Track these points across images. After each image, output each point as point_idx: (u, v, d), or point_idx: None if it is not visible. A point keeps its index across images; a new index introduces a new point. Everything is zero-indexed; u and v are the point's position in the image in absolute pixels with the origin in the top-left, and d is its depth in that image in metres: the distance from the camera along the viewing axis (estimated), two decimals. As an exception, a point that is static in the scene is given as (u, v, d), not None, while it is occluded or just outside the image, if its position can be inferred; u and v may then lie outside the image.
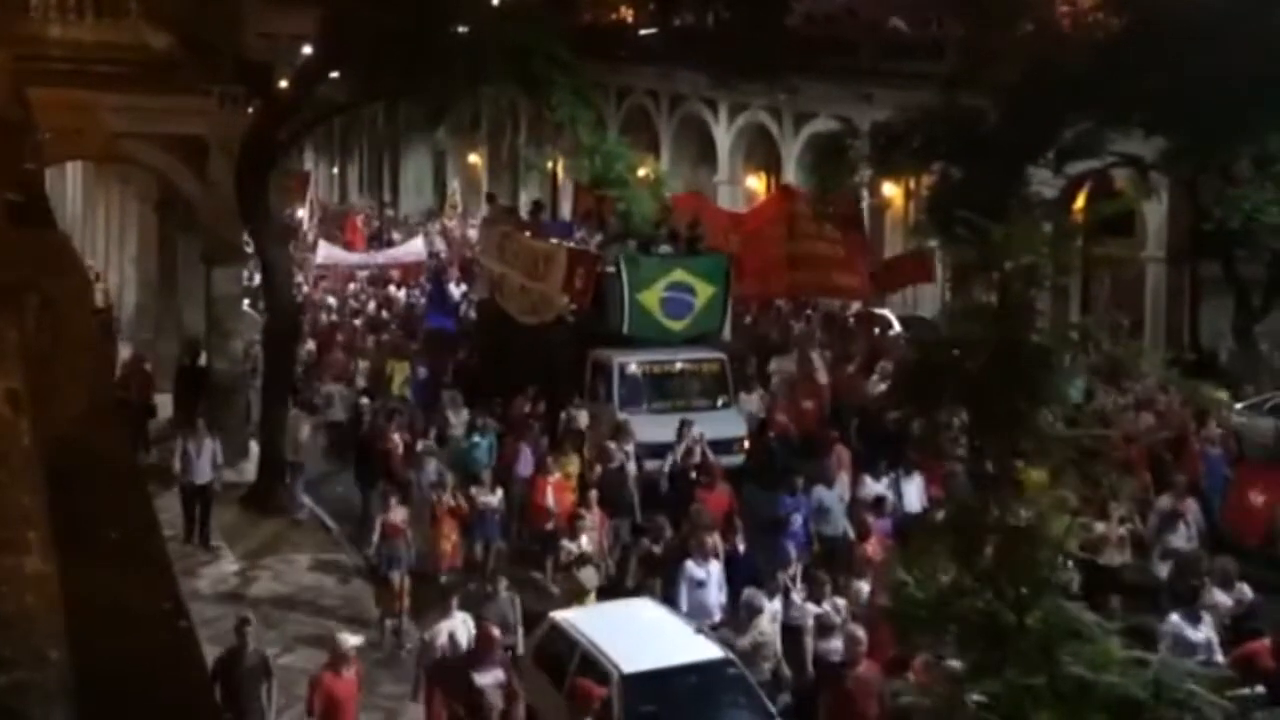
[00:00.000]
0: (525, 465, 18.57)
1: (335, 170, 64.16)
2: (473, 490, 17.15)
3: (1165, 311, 26.65)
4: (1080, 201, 25.16)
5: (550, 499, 17.14)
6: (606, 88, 36.51)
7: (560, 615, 13.21)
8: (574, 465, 18.12)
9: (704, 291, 21.57)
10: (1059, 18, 25.24)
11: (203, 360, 23.26)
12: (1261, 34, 20.25)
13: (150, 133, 22.18)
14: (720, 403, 21.11)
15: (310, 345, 27.44)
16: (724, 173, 38.63)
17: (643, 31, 40.99)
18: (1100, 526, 15.38)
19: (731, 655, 12.33)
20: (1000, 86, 21.52)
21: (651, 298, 21.21)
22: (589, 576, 14.98)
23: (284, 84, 22.01)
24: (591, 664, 12.02)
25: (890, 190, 32.25)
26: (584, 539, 15.43)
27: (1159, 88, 20.08)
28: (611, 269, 21.36)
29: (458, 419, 20.69)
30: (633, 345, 21.19)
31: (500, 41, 19.40)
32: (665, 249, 22.41)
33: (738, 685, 12.07)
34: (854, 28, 34.72)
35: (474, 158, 53.06)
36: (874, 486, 17.01)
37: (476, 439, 19.48)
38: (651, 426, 19.50)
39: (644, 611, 13.71)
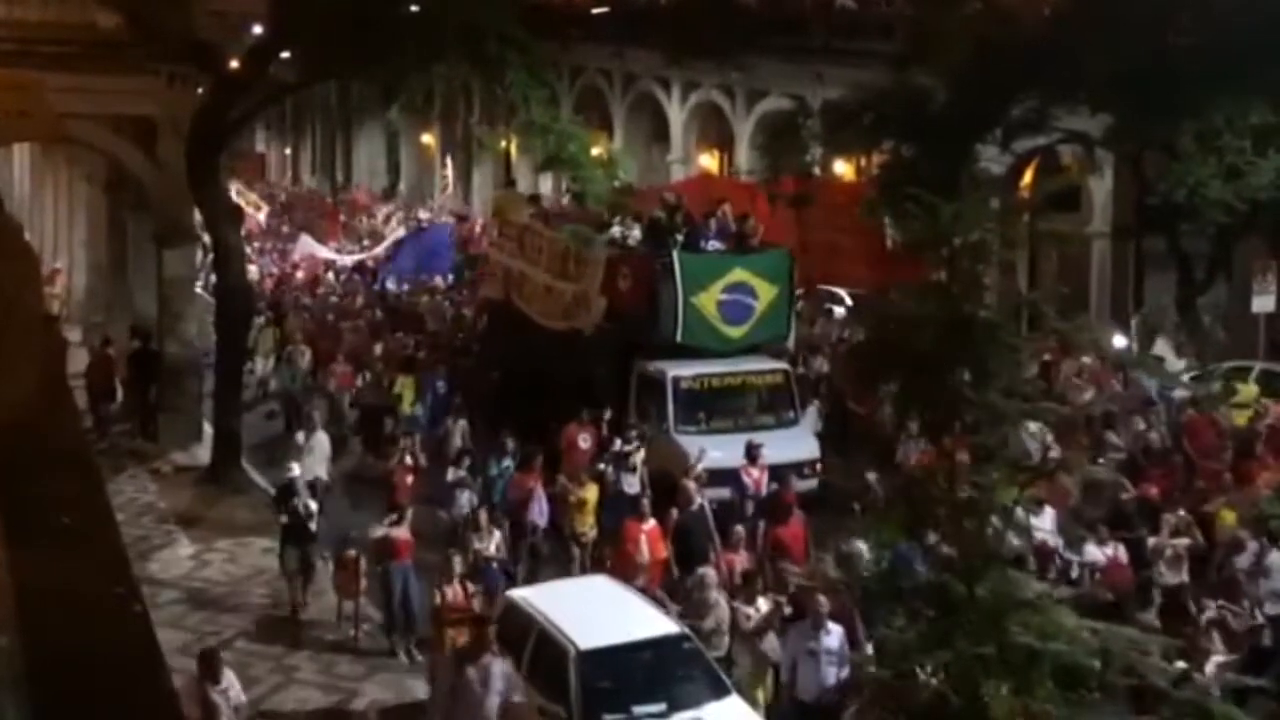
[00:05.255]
0: (540, 509, 16.35)
1: (288, 151, 63.61)
2: (475, 544, 14.77)
3: (1110, 286, 26.98)
4: (1027, 178, 25.41)
5: (645, 550, 14.62)
6: (559, 67, 36.40)
7: (517, 593, 13.26)
8: (592, 493, 16.26)
9: (766, 293, 19.05)
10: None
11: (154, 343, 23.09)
12: (1203, 10, 20.53)
13: (98, 113, 21.91)
14: (787, 419, 18.76)
15: (304, 358, 24.16)
16: (677, 151, 38.69)
17: (595, 10, 40.87)
18: (1151, 540, 14.42)
19: (687, 630, 12.44)
20: (949, 65, 21.68)
21: (708, 301, 18.73)
22: (772, 647, 12.71)
23: (235, 63, 21.81)
24: (549, 641, 12.10)
25: (841, 168, 32.41)
26: (761, 602, 12.99)
27: (1103, 65, 20.31)
28: (661, 268, 18.95)
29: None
30: (684, 355, 18.75)
31: (452, 20, 19.30)
32: (716, 245, 19.77)
33: (694, 660, 12.19)
34: (804, 6, 34.80)
35: (427, 138, 52.75)
36: None
37: (498, 467, 17.03)
38: (711, 450, 17.26)
39: (600, 588, 13.80)
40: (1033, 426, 16.26)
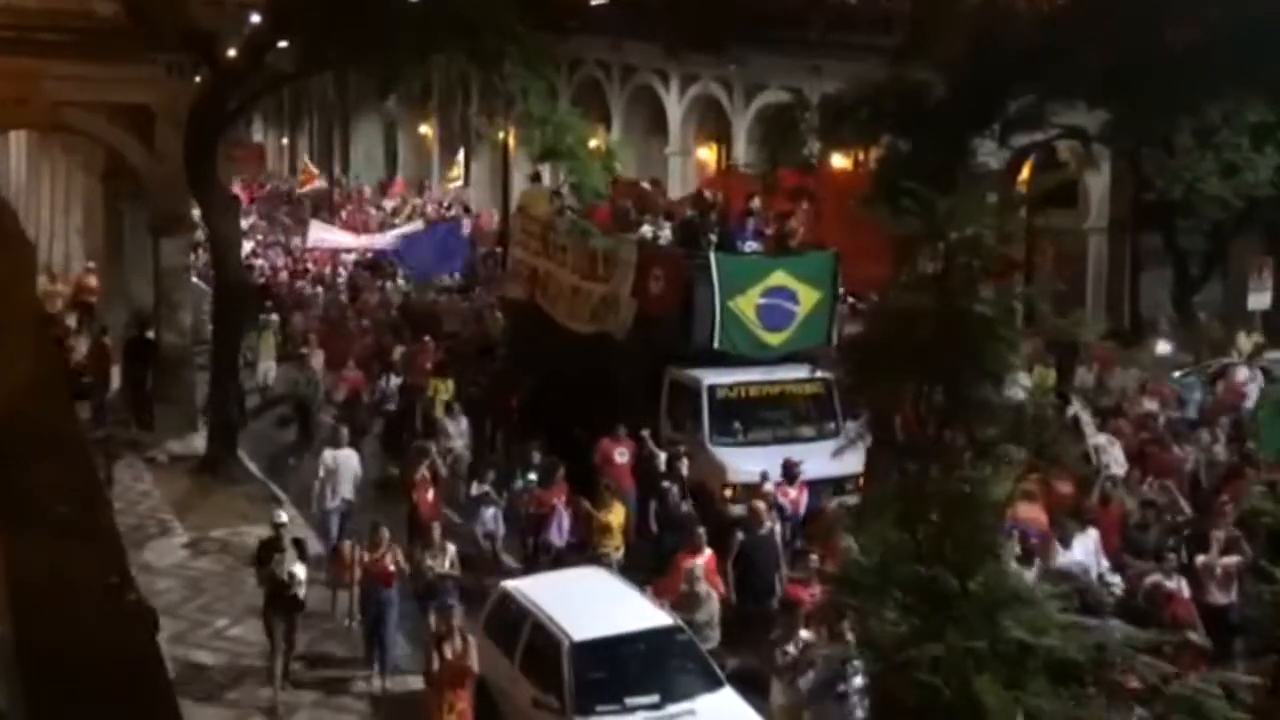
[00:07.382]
0: (560, 529, 15.74)
1: (285, 141, 63.50)
2: (427, 561, 14.10)
3: (1106, 282, 27.02)
4: (1025, 173, 25.41)
5: (702, 583, 13.48)
6: (557, 59, 36.40)
7: (511, 584, 13.30)
8: (618, 516, 15.45)
9: (808, 297, 18.24)
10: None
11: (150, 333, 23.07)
12: (1202, 6, 20.52)
13: (95, 102, 21.89)
14: (829, 431, 17.54)
15: (318, 361, 23.00)
16: (675, 144, 38.68)
17: (593, 2, 40.83)
18: (1199, 559, 13.60)
19: (680, 622, 12.48)
20: (946, 60, 21.67)
21: (747, 305, 17.90)
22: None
23: (232, 53, 21.79)
24: (543, 632, 12.14)
25: (839, 162, 32.39)
26: (805, 635, 12.11)
27: (1101, 61, 20.31)
28: (697, 270, 18.09)
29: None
30: (720, 362, 17.87)
31: (449, 12, 19.28)
32: (753, 245, 18.97)
33: (687, 651, 12.24)
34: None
35: (425, 129, 52.71)
36: (1069, 555, 12.96)
37: (522, 480, 16.37)
38: (748, 463, 16.61)
39: (594, 579, 13.85)
40: (1101, 438, 16.02)
